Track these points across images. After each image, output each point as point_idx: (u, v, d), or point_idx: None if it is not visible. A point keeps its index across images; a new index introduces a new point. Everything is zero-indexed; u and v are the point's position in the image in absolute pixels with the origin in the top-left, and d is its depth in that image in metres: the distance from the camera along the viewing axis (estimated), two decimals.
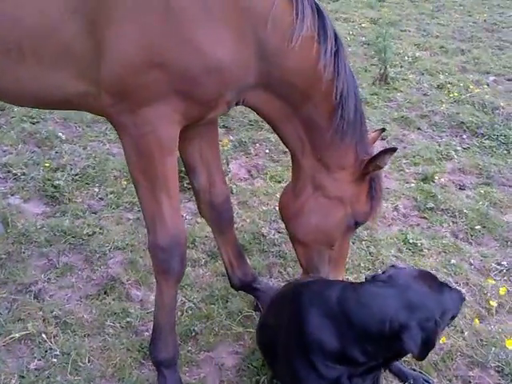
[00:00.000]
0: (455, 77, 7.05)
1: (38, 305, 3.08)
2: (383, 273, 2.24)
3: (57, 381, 2.65)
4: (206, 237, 3.69)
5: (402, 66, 7.30)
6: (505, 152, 5.32)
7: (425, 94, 6.53)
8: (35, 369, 2.72)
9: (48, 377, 2.67)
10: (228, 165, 4.44)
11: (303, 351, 2.23)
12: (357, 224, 2.86)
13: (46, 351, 2.81)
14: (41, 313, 3.03)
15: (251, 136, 5.17)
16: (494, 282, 3.57)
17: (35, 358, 2.78)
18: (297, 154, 2.72)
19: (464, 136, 5.60)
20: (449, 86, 6.70)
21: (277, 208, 4.10)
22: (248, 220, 3.97)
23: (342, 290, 2.21)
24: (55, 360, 2.76)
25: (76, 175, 4.31)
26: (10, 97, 2.67)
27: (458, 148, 5.37)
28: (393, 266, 2.40)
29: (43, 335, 2.88)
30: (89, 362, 2.76)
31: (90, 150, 4.68)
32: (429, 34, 8.99)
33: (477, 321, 3.24)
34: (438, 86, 6.75)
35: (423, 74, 7.09)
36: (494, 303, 3.40)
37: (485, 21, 9.98)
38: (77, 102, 2.43)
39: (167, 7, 2.09)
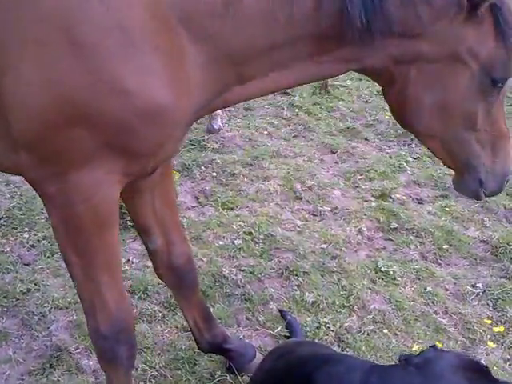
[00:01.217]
0: None
1: None
2: (420, 353, 1.87)
3: None
4: (160, 284, 3.24)
5: None
6: None
7: (366, 102, 6.41)
8: None
9: None
10: (177, 197, 4.00)
11: None
12: (497, 82, 2.12)
13: None
14: None
15: (195, 158, 4.75)
16: (471, 307, 3.44)
17: None
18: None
19: (412, 145, 5.47)
20: None
21: (235, 242, 3.76)
22: (205, 259, 3.57)
23: (367, 375, 1.84)
24: None
25: (1, 219, 3.77)
26: None
27: (409, 158, 5.24)
28: (432, 346, 1.98)
29: None
30: None
31: (13, 188, 4.14)
32: None
33: (456, 345, 3.15)
34: (378, 92, 6.58)
35: (361, 79, 6.90)
36: (478, 332, 3.26)
37: None
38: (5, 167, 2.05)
39: (77, 46, 1.68)
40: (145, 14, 1.72)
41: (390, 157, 5.21)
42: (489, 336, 3.24)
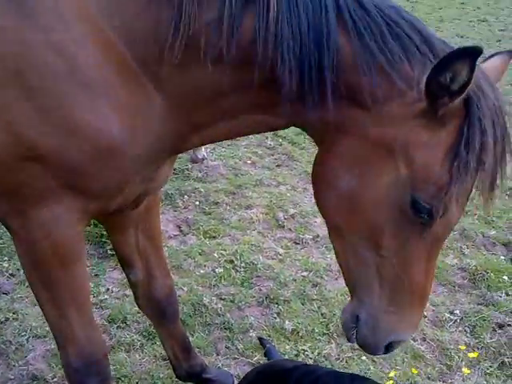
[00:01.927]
0: None
1: None
2: None
3: None
4: (139, 313, 3.26)
5: None
6: None
7: None
8: None
9: None
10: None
11: None
12: (417, 209, 1.67)
13: None
14: None
15: (178, 187, 4.79)
16: (448, 334, 3.50)
17: None
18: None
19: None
20: None
21: (216, 270, 3.79)
22: (185, 288, 3.59)
23: None
24: None
25: None
26: None
27: None
28: None
29: None
30: None
31: None
32: None
33: (434, 371, 3.20)
34: None
35: None
36: (455, 359, 3.32)
37: None
38: None
39: (28, 89, 1.68)
40: (99, 57, 1.71)
41: None
42: (464, 362, 3.29)
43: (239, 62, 1.70)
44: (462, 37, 12.15)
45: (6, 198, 1.85)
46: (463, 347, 3.37)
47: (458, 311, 3.70)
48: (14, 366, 2.92)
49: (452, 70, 1.52)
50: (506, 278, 4.03)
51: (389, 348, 1.95)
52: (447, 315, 3.65)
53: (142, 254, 2.50)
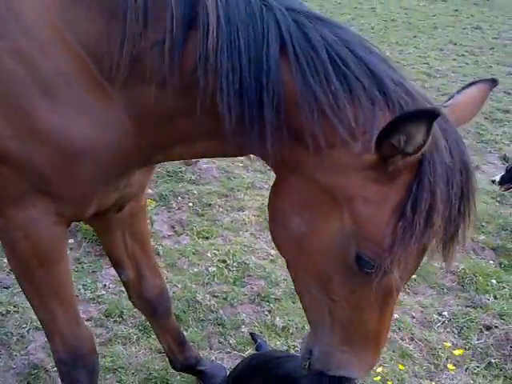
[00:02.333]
0: None
1: None
2: None
3: None
4: (135, 308, 3.43)
5: None
6: None
7: None
8: None
9: None
10: (152, 225, 4.22)
11: None
12: (363, 265, 1.63)
13: None
14: None
15: (172, 188, 4.96)
16: (436, 334, 3.64)
17: None
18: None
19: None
20: None
21: (209, 269, 3.97)
22: (180, 285, 3.76)
23: None
24: None
25: None
26: None
27: None
28: None
29: None
30: None
31: None
32: None
33: (421, 370, 3.34)
34: None
35: None
36: (442, 358, 3.45)
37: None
38: None
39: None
40: (61, 64, 1.73)
41: None
42: (452, 362, 3.43)
43: (182, 88, 1.67)
44: (455, 44, 12.43)
45: None
46: (451, 346, 3.51)
47: (446, 313, 3.85)
48: (15, 356, 3.08)
49: (406, 133, 1.43)
50: (494, 281, 4.19)
51: (342, 381, 1.91)
52: (435, 316, 3.81)
53: (131, 255, 2.61)
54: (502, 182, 5.07)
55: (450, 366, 3.42)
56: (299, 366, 2.01)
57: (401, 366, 3.27)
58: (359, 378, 1.95)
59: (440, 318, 3.81)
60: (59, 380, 2.86)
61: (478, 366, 3.42)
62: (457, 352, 3.45)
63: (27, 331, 3.24)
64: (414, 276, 4.11)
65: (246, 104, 1.60)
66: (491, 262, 4.53)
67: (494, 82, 1.83)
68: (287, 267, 1.94)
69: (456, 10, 17.08)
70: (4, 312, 3.37)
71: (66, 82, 1.73)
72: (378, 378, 3.19)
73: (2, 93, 1.72)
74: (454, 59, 11.15)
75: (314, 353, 1.92)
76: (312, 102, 1.55)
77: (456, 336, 3.67)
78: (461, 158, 1.57)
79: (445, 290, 4.13)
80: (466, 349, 3.56)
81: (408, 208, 1.52)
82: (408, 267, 1.63)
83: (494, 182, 5.11)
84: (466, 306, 3.93)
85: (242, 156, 1.96)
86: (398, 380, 3.25)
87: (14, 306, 3.42)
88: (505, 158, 5.51)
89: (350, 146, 1.56)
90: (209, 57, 1.59)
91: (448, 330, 3.73)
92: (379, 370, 3.24)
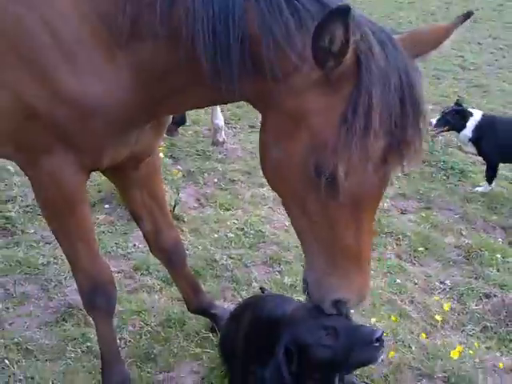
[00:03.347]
0: None
1: None
2: None
3: None
4: (160, 264, 3.94)
5: None
6: (444, 178, 5.85)
7: None
8: None
9: None
10: (178, 195, 4.73)
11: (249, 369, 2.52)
12: (317, 172, 1.85)
13: (10, 376, 3.02)
14: (1, 340, 3.23)
15: (199, 166, 5.51)
16: (438, 299, 3.92)
17: None
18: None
19: (404, 163, 6.04)
20: None
21: (228, 235, 4.45)
22: (200, 247, 4.27)
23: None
24: None
25: (27, 206, 4.56)
26: None
27: (399, 174, 5.77)
28: None
29: (6, 361, 3.09)
30: None
31: None
32: None
33: (424, 335, 3.53)
34: None
35: None
36: (438, 318, 3.70)
37: None
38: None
39: (22, 61, 2.11)
40: (80, 31, 2.06)
41: None
42: (449, 324, 3.72)
43: (171, 40, 1.98)
44: (494, 38, 12.59)
45: (21, 150, 2.34)
46: (447, 307, 3.68)
47: (448, 281, 4.14)
48: (53, 298, 3.63)
49: (328, 33, 1.63)
50: (499, 256, 4.42)
51: (337, 307, 2.11)
52: (437, 284, 4.10)
53: (148, 210, 2.98)
54: (438, 124, 5.48)
55: (446, 326, 3.70)
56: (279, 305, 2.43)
57: (394, 318, 3.60)
58: (351, 300, 2.08)
59: (441, 286, 4.09)
60: (89, 318, 3.41)
61: (473, 329, 3.67)
62: (445, 306, 3.64)
63: (64, 278, 3.79)
64: (421, 248, 4.52)
65: (218, 46, 1.88)
66: (500, 240, 4.78)
67: (466, 17, 1.96)
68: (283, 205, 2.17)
69: (501, 5, 17.04)
70: (45, 263, 3.94)
71: (83, 48, 2.08)
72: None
73: (30, 60, 2.10)
74: (491, 53, 11.33)
75: (309, 281, 2.14)
76: (268, 35, 1.81)
77: (455, 302, 3.91)
78: (399, 65, 1.77)
79: (450, 263, 4.40)
80: (463, 313, 3.81)
81: (349, 112, 1.73)
82: (363, 178, 1.82)
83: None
84: (469, 277, 4.19)
85: (227, 102, 2.31)
86: (394, 334, 3.54)
87: (54, 258, 3.98)
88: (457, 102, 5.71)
89: (301, 70, 1.82)
90: (189, 7, 1.89)
91: (448, 296, 3.99)
92: (374, 321, 3.60)
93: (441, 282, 4.16)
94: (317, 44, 1.68)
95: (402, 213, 5.16)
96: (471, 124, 5.46)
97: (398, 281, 4.10)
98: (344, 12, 1.58)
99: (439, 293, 4.05)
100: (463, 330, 3.70)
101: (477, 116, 5.51)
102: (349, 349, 2.20)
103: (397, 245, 4.61)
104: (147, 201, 2.97)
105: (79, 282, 2.69)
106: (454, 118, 5.49)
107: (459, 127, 5.51)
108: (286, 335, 2.29)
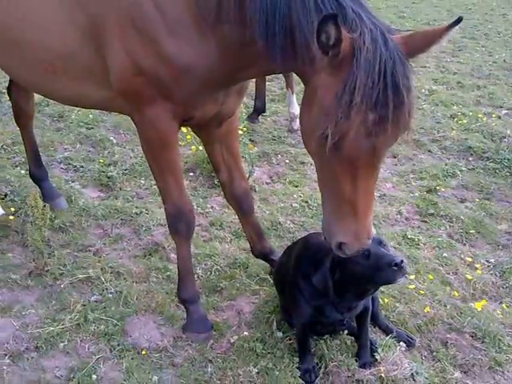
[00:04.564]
0: (468, 108, 7.97)
1: (96, 259, 4.11)
2: None
3: (112, 310, 3.60)
4: (232, 221, 4.65)
5: (418, 98, 8.20)
6: (507, 174, 6.11)
7: (438, 122, 7.45)
8: (95, 301, 3.70)
9: (104, 307, 3.63)
10: (253, 166, 5.44)
11: (297, 283, 3.19)
12: (319, 133, 2.36)
13: (103, 290, 3.79)
14: (99, 264, 4.04)
15: (274, 149, 6.20)
16: (480, 272, 4.27)
17: (94, 294, 3.77)
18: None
19: (470, 158, 6.43)
20: (461, 116, 7.61)
21: (293, 205, 5.07)
22: (267, 212, 4.93)
23: None
24: (110, 296, 3.74)
25: (126, 170, 5.44)
26: (55, 100, 3.65)
27: (464, 168, 6.18)
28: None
29: (101, 278, 3.87)
30: (136, 299, 3.71)
31: (136, 152, 5.78)
32: (447, 71, 10.02)
33: (453, 291, 3.98)
34: (451, 115, 7.67)
35: (438, 105, 8.05)
36: (478, 287, 4.09)
37: (504, 61, 10.93)
38: (106, 104, 3.26)
39: (137, 29, 2.73)
40: (181, 10, 2.68)
41: (446, 164, 6.23)
42: (488, 295, 4.06)
43: (242, 23, 2.58)
44: None
45: (130, 101, 2.97)
46: (488, 282, 4.09)
47: (493, 260, 4.49)
48: (143, 239, 4.40)
49: (324, 31, 2.16)
50: None
51: (341, 248, 2.64)
52: (483, 261, 4.46)
53: (226, 162, 3.60)
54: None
55: (484, 297, 4.01)
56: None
57: (431, 277, 4.06)
58: (351, 244, 2.58)
59: (486, 263, 4.44)
60: (171, 255, 4.14)
61: (511, 302, 3.99)
62: (491, 285, 4.02)
63: (153, 225, 4.56)
64: (473, 231, 4.86)
65: (269, 32, 2.49)
66: None
67: (456, 23, 2.32)
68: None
69: None
70: (138, 212, 4.74)
71: (183, 25, 2.71)
72: (412, 286, 3.97)
73: (144, 29, 2.74)
74: None
75: (322, 225, 2.76)
76: (301, 29, 2.41)
77: (497, 278, 4.25)
78: (384, 57, 2.23)
79: (499, 247, 4.71)
80: (503, 288, 4.13)
81: (340, 90, 2.26)
82: (358, 142, 2.30)
83: None
84: None
85: (284, 72, 3.03)
86: (433, 295, 3.95)
87: (146, 210, 4.77)
88: None
89: (318, 57, 2.34)
90: (253, 1, 2.52)
91: (491, 272, 4.33)
92: (413, 278, 4.05)
93: (486, 261, 4.50)
94: (318, 39, 2.22)
95: (460, 201, 5.50)
96: None
97: (445, 255, 4.49)
98: (333, 17, 2.12)
99: (483, 269, 4.38)
100: (501, 302, 4.02)
101: None
102: (375, 268, 2.83)
103: (450, 226, 4.97)
104: (225, 154, 3.59)
105: (167, 211, 3.30)
106: None
107: None
108: (333, 252, 2.90)
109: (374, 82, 2.21)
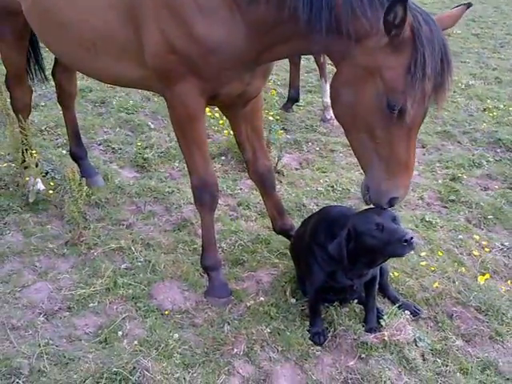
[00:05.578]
0: (503, 103, 8.06)
1: (128, 231, 4.50)
2: None
3: (140, 277, 3.97)
4: (259, 202, 4.96)
5: (454, 91, 8.35)
6: None
7: (470, 115, 7.59)
8: (125, 268, 4.07)
9: (133, 274, 4.01)
10: (281, 151, 5.71)
11: (313, 250, 3.49)
12: (391, 107, 2.71)
13: (133, 259, 4.17)
14: (130, 236, 4.42)
15: (305, 137, 6.50)
16: (492, 253, 4.48)
17: (125, 262, 4.14)
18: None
19: (498, 150, 6.57)
20: (493, 109, 7.73)
21: (318, 188, 5.36)
22: (293, 194, 5.24)
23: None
24: (139, 264, 4.11)
25: (161, 153, 5.84)
26: (95, 78, 3.95)
27: (491, 159, 6.31)
28: None
29: (132, 248, 4.25)
30: (164, 267, 4.07)
31: (172, 137, 6.08)
32: (486, 66, 10.08)
33: (463, 269, 4.18)
34: (485, 109, 7.80)
35: (472, 98, 8.17)
36: (490, 267, 4.30)
37: None
38: (140, 82, 3.49)
39: (170, 11, 2.93)
40: None
41: (473, 154, 6.39)
42: (500, 275, 4.26)
43: (279, 4, 2.79)
44: None
45: (162, 78, 3.18)
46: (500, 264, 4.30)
47: (507, 243, 4.64)
48: (173, 214, 4.78)
49: (393, 12, 2.51)
50: None
51: (391, 202, 3.01)
52: (497, 245, 4.62)
53: (250, 141, 3.84)
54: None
55: (495, 276, 4.20)
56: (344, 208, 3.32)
57: (440, 253, 4.29)
58: (401, 197, 2.98)
59: (501, 247, 4.61)
60: (198, 231, 4.48)
61: None
62: (503, 266, 4.22)
63: (183, 203, 4.93)
64: (491, 217, 5.04)
65: (314, 7, 2.71)
66: None
67: (467, 6, 2.92)
68: (347, 137, 3.05)
69: None
70: (170, 191, 5.12)
71: (213, 7, 2.92)
72: (424, 262, 4.18)
73: (177, 11, 2.96)
74: None
75: (370, 186, 3.02)
76: (348, 6, 2.66)
77: (510, 259, 4.43)
78: (438, 36, 2.68)
79: None
80: None
81: (412, 65, 2.61)
82: (419, 108, 2.71)
83: None
84: None
85: (318, 54, 3.27)
86: (443, 271, 4.16)
87: (178, 190, 5.15)
88: None
89: (373, 36, 2.67)
90: None
91: (504, 255, 4.51)
92: (424, 254, 4.28)
93: (501, 244, 4.67)
94: (386, 18, 2.54)
95: (483, 189, 5.66)
96: None
97: (461, 237, 4.68)
98: (403, 1, 2.47)
99: (497, 251, 4.56)
100: (509, 280, 4.19)
101: None
102: (387, 241, 3.09)
103: (469, 211, 5.15)
104: (250, 133, 3.82)
105: (193, 183, 3.53)
106: None
107: None
108: (350, 223, 3.24)
109: (436, 56, 2.64)
